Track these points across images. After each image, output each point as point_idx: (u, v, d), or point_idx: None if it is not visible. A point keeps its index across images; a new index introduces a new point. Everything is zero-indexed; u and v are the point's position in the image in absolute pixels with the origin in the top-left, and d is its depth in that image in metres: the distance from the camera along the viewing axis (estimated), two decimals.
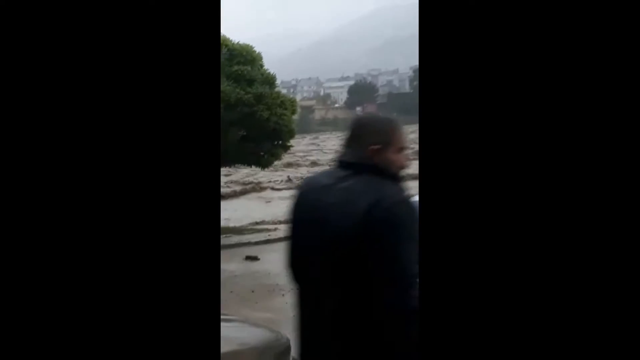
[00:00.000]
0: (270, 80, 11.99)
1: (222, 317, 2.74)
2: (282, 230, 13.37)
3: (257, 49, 12.34)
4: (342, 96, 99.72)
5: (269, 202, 19.57)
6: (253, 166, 13.36)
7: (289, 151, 13.57)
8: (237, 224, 14.39)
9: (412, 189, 1.60)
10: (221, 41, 11.57)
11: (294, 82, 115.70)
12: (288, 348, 2.57)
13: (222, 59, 11.34)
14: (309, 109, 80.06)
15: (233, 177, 26.65)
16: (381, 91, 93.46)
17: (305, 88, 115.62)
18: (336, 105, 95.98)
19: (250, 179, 25.92)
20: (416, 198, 1.42)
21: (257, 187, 23.48)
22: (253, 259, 9.20)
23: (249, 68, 11.46)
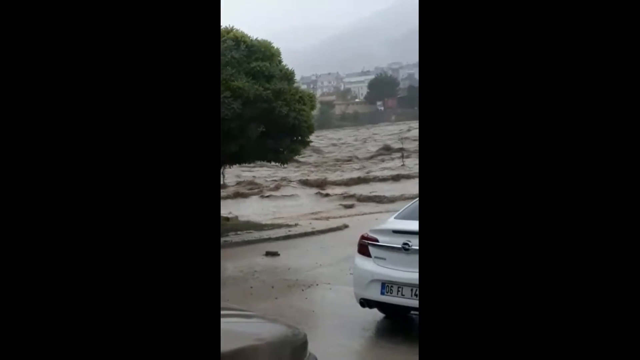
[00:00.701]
0: (289, 76, 12.00)
1: (239, 312, 2.77)
2: (302, 226, 13.43)
3: (277, 44, 12.35)
4: (362, 91, 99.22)
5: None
6: (272, 162, 13.41)
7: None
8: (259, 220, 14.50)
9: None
10: (240, 38, 11.62)
11: (313, 78, 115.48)
12: (305, 343, 2.57)
13: (240, 56, 11.38)
14: (329, 104, 79.87)
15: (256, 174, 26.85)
16: (402, 85, 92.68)
17: (325, 83, 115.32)
18: (356, 100, 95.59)
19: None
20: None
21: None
22: (273, 254, 9.25)
23: (267, 64, 11.47)
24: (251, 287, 6.65)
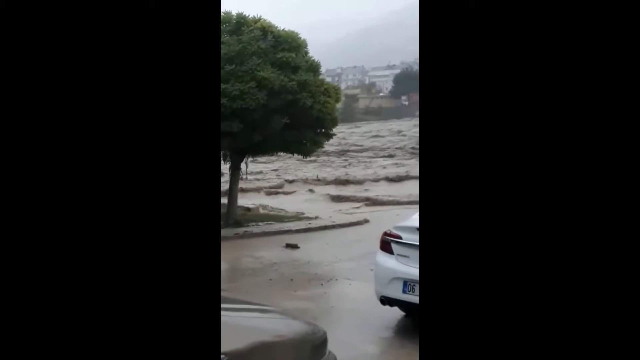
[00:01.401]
0: (314, 68, 11.88)
1: (259, 307, 2.73)
2: (322, 219, 13.38)
3: (304, 36, 12.25)
4: (387, 85, 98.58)
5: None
6: (295, 154, 13.36)
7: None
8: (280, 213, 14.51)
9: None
10: (267, 28, 11.55)
11: (339, 71, 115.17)
12: (325, 341, 2.53)
13: (267, 46, 11.30)
14: (353, 98, 79.59)
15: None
16: None
17: (350, 77, 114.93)
18: (381, 94, 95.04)
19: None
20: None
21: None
22: (293, 247, 9.22)
23: (293, 55, 11.38)
24: (270, 280, 6.63)
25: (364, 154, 33.14)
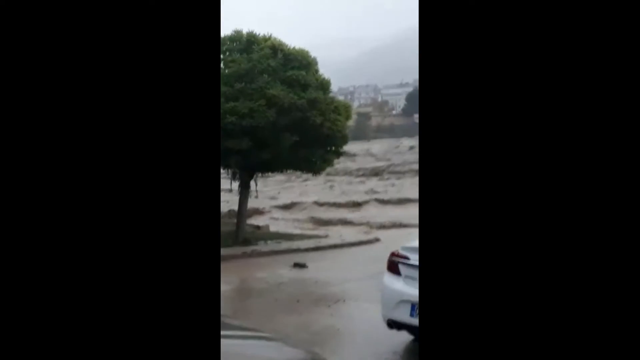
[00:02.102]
0: (324, 86, 11.85)
1: (256, 334, 2.60)
2: (332, 238, 13.21)
3: (318, 54, 12.24)
4: (399, 103, 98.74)
5: None
6: (304, 172, 13.27)
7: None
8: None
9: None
10: (277, 46, 11.57)
11: (351, 89, 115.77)
12: None
13: (277, 64, 11.30)
14: (365, 116, 79.75)
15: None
16: None
17: (363, 95, 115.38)
18: (393, 112, 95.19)
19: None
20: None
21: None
22: (301, 266, 9.06)
23: (303, 73, 11.37)
24: (276, 300, 6.48)
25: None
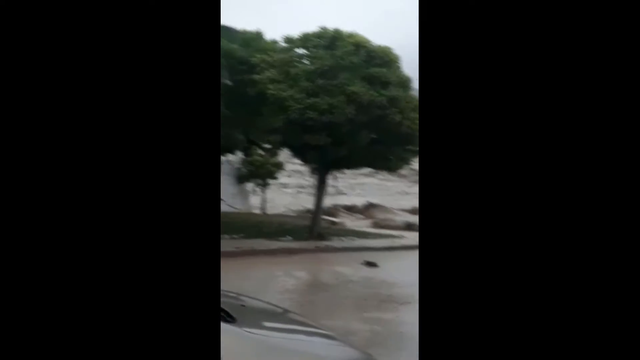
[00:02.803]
0: (405, 83, 11.64)
1: (315, 331, 2.63)
2: (407, 238, 13.02)
3: (402, 53, 12.06)
4: None
5: None
6: (379, 170, 13.17)
7: None
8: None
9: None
10: (360, 43, 11.51)
11: None
12: None
13: (359, 61, 11.25)
14: None
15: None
16: None
17: None
18: None
19: None
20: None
21: None
22: (372, 265, 9.01)
23: (384, 70, 11.25)
24: (343, 297, 6.49)
25: None
